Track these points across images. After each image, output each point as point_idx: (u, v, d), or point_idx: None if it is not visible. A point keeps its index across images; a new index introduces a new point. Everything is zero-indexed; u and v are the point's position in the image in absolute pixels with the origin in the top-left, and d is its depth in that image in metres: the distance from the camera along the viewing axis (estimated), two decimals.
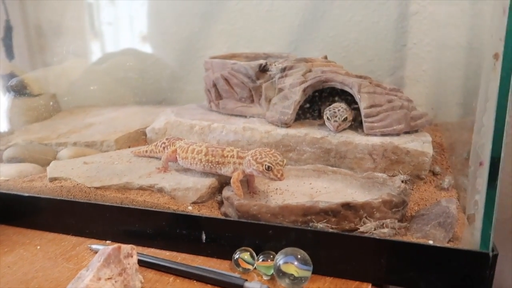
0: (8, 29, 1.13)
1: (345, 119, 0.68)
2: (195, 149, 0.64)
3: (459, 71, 0.96)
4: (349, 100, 0.73)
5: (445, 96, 0.97)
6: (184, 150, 0.65)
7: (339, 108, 0.69)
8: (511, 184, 0.95)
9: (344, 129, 0.69)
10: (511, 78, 0.39)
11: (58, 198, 0.64)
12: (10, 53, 1.13)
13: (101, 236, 0.62)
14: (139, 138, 0.88)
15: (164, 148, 0.71)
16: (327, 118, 0.69)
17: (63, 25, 1.22)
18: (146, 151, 0.74)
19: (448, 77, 0.97)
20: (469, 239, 0.47)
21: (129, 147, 0.84)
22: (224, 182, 0.65)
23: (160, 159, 0.70)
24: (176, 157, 0.67)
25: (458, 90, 0.96)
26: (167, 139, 0.72)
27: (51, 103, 1.05)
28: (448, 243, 0.49)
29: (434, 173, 0.66)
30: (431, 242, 0.48)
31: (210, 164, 0.62)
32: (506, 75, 0.39)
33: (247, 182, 0.64)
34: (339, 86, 0.71)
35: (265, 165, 0.56)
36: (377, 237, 0.49)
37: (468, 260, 0.46)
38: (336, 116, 0.68)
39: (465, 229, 0.49)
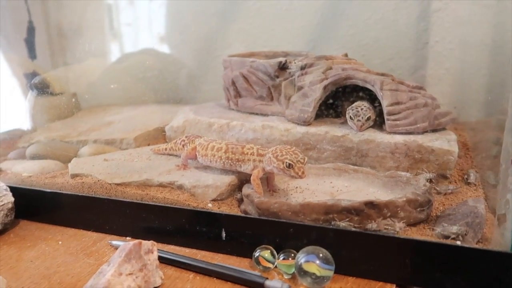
0: (31, 29, 1.15)
1: (368, 118, 0.67)
2: (214, 146, 0.64)
3: (483, 70, 0.93)
4: (371, 98, 0.71)
5: (468, 95, 0.95)
6: (204, 148, 0.65)
7: (362, 107, 0.67)
8: None
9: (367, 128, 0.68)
10: None
11: (80, 194, 0.65)
12: (32, 53, 1.15)
13: (121, 232, 0.62)
14: (158, 136, 0.89)
15: (183, 146, 0.71)
16: (350, 117, 0.67)
17: (83, 26, 1.24)
18: (166, 149, 0.75)
19: (472, 76, 0.95)
20: (499, 240, 0.45)
21: (149, 145, 0.85)
22: (244, 179, 0.64)
23: (179, 156, 0.70)
24: (196, 155, 0.67)
25: (482, 89, 0.93)
26: (186, 136, 0.71)
27: (72, 101, 1.06)
28: (476, 244, 0.47)
29: (468, 183, 0.63)
30: (459, 242, 0.46)
31: (230, 161, 0.62)
32: None
33: (267, 180, 0.63)
34: (360, 83, 0.70)
35: (286, 162, 0.55)
36: (402, 237, 0.48)
37: (498, 262, 0.44)
38: (359, 116, 0.66)
39: (495, 229, 0.48)
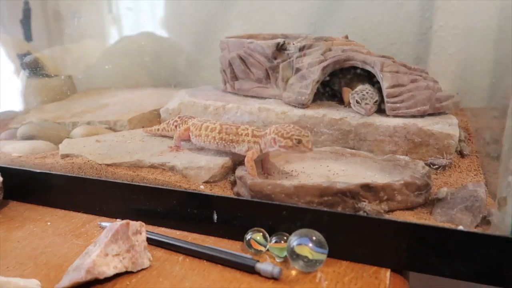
0: (27, 11, 1.13)
1: (376, 101, 0.64)
2: (208, 126, 0.62)
3: (488, 55, 0.91)
4: (371, 81, 0.69)
5: (472, 81, 0.92)
6: (198, 128, 0.63)
7: (367, 91, 0.65)
8: None
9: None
10: None
11: (69, 174, 0.63)
12: (28, 35, 1.13)
13: (111, 214, 0.61)
14: (153, 118, 0.87)
15: (176, 126, 0.69)
16: (356, 101, 0.65)
17: (81, 9, 1.21)
18: (158, 129, 0.73)
19: (476, 62, 0.92)
20: (500, 224, 0.44)
21: (143, 127, 0.83)
22: (238, 161, 0.63)
23: (172, 137, 0.68)
24: (189, 135, 0.65)
25: (486, 75, 0.91)
26: (179, 117, 0.70)
27: (67, 83, 1.04)
28: (475, 228, 0.46)
29: (462, 155, 0.62)
30: (461, 227, 0.44)
31: (223, 142, 0.60)
32: None
33: (261, 163, 0.61)
34: (360, 65, 0.68)
35: (295, 139, 0.53)
36: (399, 220, 0.46)
37: (498, 246, 0.42)
38: (366, 99, 0.64)
39: (495, 213, 0.46)
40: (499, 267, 0.43)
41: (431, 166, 0.60)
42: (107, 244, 0.47)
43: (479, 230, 0.45)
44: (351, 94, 0.67)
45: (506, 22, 0.87)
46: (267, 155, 0.60)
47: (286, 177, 0.60)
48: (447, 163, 0.60)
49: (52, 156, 0.69)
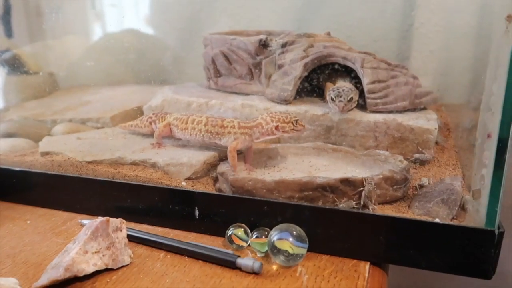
0: (7, 6, 1.11)
1: (351, 99, 0.63)
2: (195, 119, 0.62)
3: (468, 53, 0.92)
4: (353, 78, 0.70)
5: (452, 78, 0.93)
6: (184, 121, 0.63)
7: (343, 88, 0.64)
8: None
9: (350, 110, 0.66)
10: None
11: (49, 172, 0.63)
12: (8, 31, 1.11)
13: (92, 211, 0.60)
14: (136, 116, 0.86)
15: (150, 123, 0.69)
16: (331, 98, 0.64)
17: (64, 5, 1.19)
18: (131, 125, 0.72)
19: (457, 58, 0.93)
20: (474, 216, 0.45)
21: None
22: (224, 157, 0.63)
23: (144, 134, 0.68)
24: (170, 131, 0.65)
25: (466, 72, 0.92)
26: (153, 113, 0.70)
27: (48, 81, 1.03)
28: (451, 220, 0.47)
29: (436, 142, 0.64)
30: (437, 220, 0.45)
31: (209, 134, 0.61)
32: None
33: (244, 159, 0.61)
34: (341, 61, 0.68)
35: (293, 121, 0.57)
36: (377, 214, 0.47)
37: (472, 238, 0.43)
38: (341, 96, 0.63)
39: (470, 206, 0.47)
40: (474, 259, 0.44)
41: (415, 161, 0.61)
42: (86, 241, 0.46)
43: (454, 222, 0.46)
44: (328, 91, 0.66)
45: (486, 20, 0.89)
46: (250, 150, 0.61)
47: (268, 173, 0.60)
48: (431, 157, 0.61)
49: (32, 154, 0.68)
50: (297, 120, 0.58)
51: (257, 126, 0.59)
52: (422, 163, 0.61)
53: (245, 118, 0.71)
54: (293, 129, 0.58)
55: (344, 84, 0.66)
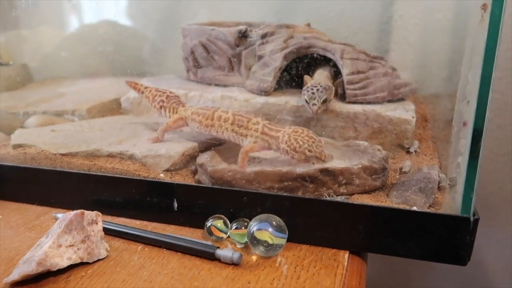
0: None
1: (325, 100, 0.61)
2: (221, 116, 0.58)
3: (446, 45, 0.94)
4: (334, 70, 0.70)
5: (430, 70, 0.95)
6: (209, 117, 0.59)
7: (318, 87, 0.61)
8: (491, 159, 0.94)
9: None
10: (500, 27, 0.36)
11: (22, 165, 0.61)
12: None
13: (68, 205, 0.58)
14: (113, 108, 0.84)
15: (161, 107, 0.65)
16: (306, 100, 0.62)
17: None
18: (143, 92, 0.68)
19: (435, 51, 0.95)
20: (450, 203, 0.45)
21: (103, 116, 0.80)
22: (201, 150, 0.62)
23: (145, 112, 0.67)
24: (182, 125, 0.62)
25: (444, 64, 0.94)
26: (167, 96, 0.65)
27: (21, 73, 0.99)
28: (428, 208, 0.47)
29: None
30: (415, 208, 0.46)
31: (234, 134, 0.57)
32: (494, 24, 0.36)
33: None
34: (321, 52, 0.68)
35: (307, 151, 0.52)
36: (356, 203, 0.47)
37: (448, 225, 0.44)
38: (314, 99, 0.61)
39: (446, 193, 0.47)
40: (451, 245, 0.45)
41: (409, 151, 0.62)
42: (60, 234, 0.45)
43: (431, 210, 0.47)
44: (302, 90, 0.64)
45: (462, 11, 0.90)
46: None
47: (249, 164, 0.59)
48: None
49: (4, 147, 0.66)
50: (313, 151, 0.52)
51: (276, 138, 0.55)
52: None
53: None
54: (304, 160, 0.52)
55: (319, 83, 0.63)
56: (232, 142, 0.59)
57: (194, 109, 0.62)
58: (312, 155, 0.52)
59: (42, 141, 0.64)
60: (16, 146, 0.63)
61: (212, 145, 0.62)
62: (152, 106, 0.67)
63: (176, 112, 0.63)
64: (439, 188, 0.48)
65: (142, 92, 0.69)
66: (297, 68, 0.73)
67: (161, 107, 0.65)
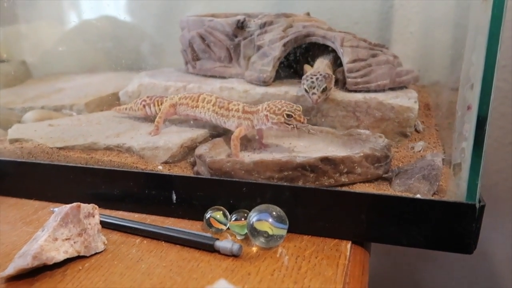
0: None
1: (324, 89, 0.60)
2: (205, 98, 0.61)
3: (448, 33, 0.92)
4: (333, 57, 0.68)
5: (432, 58, 0.93)
6: (194, 99, 0.62)
7: (317, 76, 0.60)
8: (496, 149, 0.93)
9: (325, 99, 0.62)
10: (505, 3, 0.35)
11: (19, 160, 0.60)
12: None
13: (65, 199, 0.57)
14: (112, 102, 0.83)
15: (144, 106, 0.67)
16: (305, 90, 0.61)
17: None
18: (126, 109, 0.71)
19: (436, 39, 0.93)
20: (455, 190, 0.44)
21: (101, 110, 0.79)
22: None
23: (138, 117, 0.67)
24: (174, 112, 0.63)
25: (446, 52, 0.92)
26: (147, 97, 0.67)
27: (20, 69, 0.99)
28: (432, 196, 0.46)
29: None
30: (418, 196, 0.44)
31: (216, 115, 0.59)
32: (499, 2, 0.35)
33: (257, 139, 0.61)
34: (321, 40, 0.67)
35: (286, 114, 0.53)
36: (358, 191, 0.46)
37: (453, 212, 0.43)
38: (314, 88, 0.60)
39: (451, 180, 0.46)
40: (456, 233, 0.43)
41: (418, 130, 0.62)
42: (56, 228, 0.44)
43: (435, 197, 0.46)
44: (302, 80, 0.63)
45: (464, 1, 0.88)
46: (261, 131, 0.60)
47: (248, 155, 0.58)
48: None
49: (1, 142, 0.65)
50: (292, 113, 0.53)
51: (256, 112, 0.56)
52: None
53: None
54: (283, 123, 0.53)
55: (319, 69, 0.63)
56: (214, 124, 0.61)
57: (181, 95, 0.64)
58: (291, 116, 0.53)
59: (39, 135, 0.63)
60: (13, 141, 0.63)
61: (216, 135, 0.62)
62: (137, 110, 0.68)
63: (162, 104, 0.65)
64: (446, 162, 0.47)
65: (126, 109, 0.71)
66: (297, 57, 0.71)
67: (144, 106, 0.67)
